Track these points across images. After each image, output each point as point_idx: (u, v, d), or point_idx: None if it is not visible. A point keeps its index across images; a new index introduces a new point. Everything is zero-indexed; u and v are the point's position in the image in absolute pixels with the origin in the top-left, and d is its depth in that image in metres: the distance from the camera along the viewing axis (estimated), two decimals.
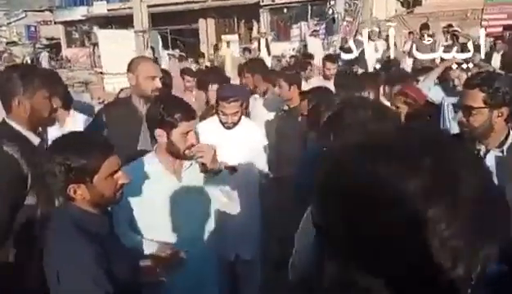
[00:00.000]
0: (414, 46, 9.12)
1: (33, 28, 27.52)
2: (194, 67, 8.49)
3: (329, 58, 5.49)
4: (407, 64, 8.68)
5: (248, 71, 4.41)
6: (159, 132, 1.87)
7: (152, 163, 1.94)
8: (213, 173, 1.95)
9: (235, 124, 2.91)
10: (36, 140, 1.88)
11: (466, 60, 8.98)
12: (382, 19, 12.17)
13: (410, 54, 9.24)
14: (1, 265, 1.73)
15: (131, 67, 2.66)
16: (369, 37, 9.64)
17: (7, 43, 25.87)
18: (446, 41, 9.83)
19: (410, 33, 12.29)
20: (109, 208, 1.61)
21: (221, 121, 2.92)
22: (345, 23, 16.28)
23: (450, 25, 10.90)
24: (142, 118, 2.27)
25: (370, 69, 9.31)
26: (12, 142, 1.77)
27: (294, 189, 2.22)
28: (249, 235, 3.07)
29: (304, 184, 2.17)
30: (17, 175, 1.75)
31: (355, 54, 9.54)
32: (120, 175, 1.45)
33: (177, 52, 15.60)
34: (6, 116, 1.86)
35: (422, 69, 5.28)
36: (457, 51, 8.76)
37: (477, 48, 7.87)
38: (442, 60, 9.25)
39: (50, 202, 1.84)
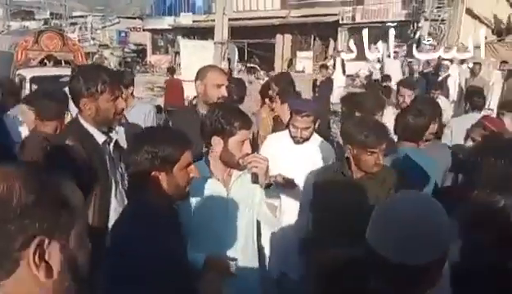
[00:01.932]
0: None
1: (123, 34, 29.73)
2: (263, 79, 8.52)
3: (403, 83, 4.56)
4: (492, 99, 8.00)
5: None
6: (216, 140, 1.86)
7: (202, 171, 1.89)
8: (263, 186, 1.89)
9: (305, 140, 2.83)
10: (101, 139, 1.96)
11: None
12: (469, 45, 11.38)
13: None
14: None
15: (200, 75, 2.72)
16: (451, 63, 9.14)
17: (100, 46, 28.07)
18: None
19: (502, 62, 11.42)
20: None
21: (291, 135, 2.87)
22: (428, 46, 15.54)
23: None
24: None
25: (452, 98, 8.75)
26: (76, 139, 1.85)
27: None
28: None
29: None
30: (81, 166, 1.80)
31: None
32: (192, 169, 1.53)
33: (247, 64, 15.89)
34: (78, 113, 1.97)
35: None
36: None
37: None
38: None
39: (103, 197, 1.90)
